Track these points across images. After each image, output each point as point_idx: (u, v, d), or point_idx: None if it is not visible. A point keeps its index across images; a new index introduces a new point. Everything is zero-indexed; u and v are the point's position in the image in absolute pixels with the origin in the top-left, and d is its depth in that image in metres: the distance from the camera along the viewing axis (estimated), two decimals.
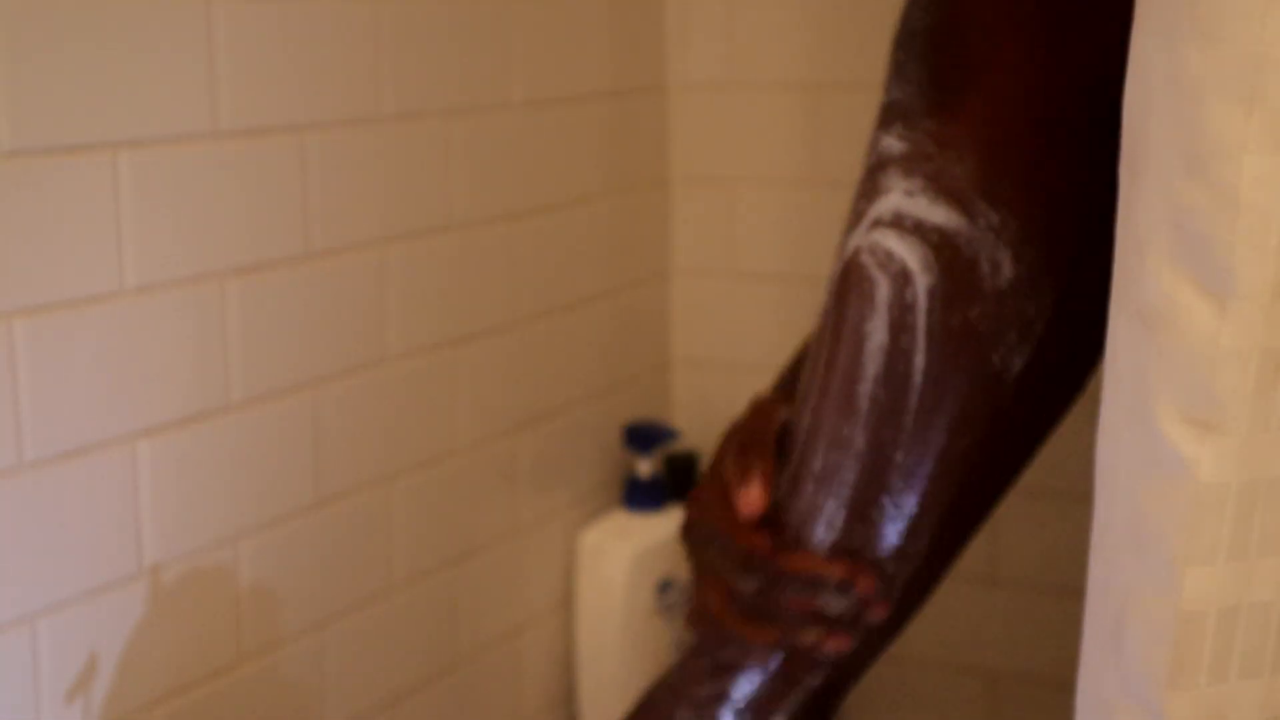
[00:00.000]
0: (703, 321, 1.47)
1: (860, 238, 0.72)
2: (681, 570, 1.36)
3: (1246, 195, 0.53)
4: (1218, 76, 0.53)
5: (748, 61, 1.42)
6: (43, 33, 0.84)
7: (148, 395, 0.92)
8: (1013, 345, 0.71)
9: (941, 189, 0.70)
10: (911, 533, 0.74)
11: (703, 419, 1.48)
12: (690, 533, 0.79)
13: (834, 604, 0.74)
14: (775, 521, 0.75)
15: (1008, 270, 0.70)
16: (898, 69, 0.72)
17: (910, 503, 0.73)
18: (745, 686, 0.77)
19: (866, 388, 0.72)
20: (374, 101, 1.08)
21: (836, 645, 0.75)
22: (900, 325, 0.71)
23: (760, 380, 1.46)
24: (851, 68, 1.35)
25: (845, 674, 0.79)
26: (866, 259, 0.71)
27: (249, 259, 0.98)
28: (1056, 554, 1.35)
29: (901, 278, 0.70)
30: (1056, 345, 0.72)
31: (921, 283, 0.70)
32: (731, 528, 0.76)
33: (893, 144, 0.71)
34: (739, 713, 0.77)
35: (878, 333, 0.71)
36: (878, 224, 0.71)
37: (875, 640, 0.79)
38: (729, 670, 0.77)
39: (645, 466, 1.36)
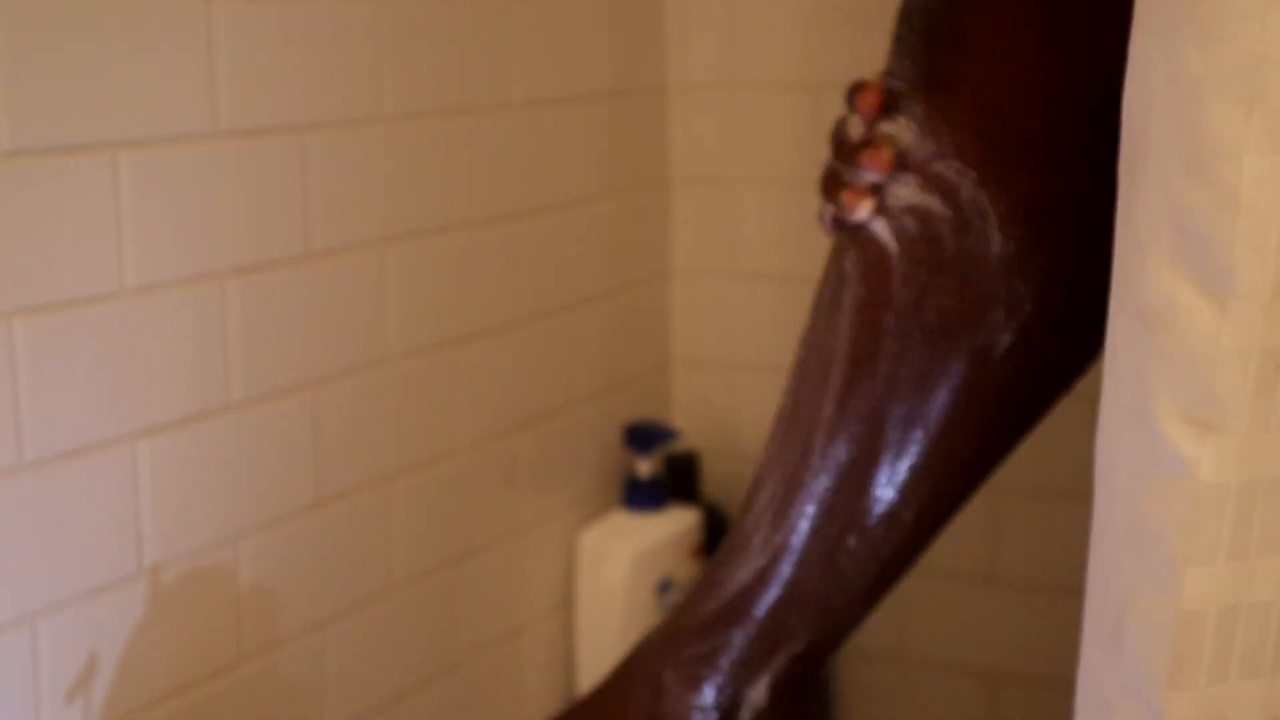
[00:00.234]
0: (703, 321, 1.47)
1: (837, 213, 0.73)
2: (681, 570, 1.36)
3: (1246, 195, 0.53)
4: (1218, 76, 0.53)
5: (748, 61, 1.42)
6: (43, 33, 0.84)
7: (148, 395, 0.92)
8: (1000, 322, 0.71)
9: (926, 166, 0.70)
10: (897, 510, 0.74)
11: (703, 419, 1.48)
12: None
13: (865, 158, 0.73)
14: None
15: (996, 246, 0.70)
16: (898, 41, 0.73)
17: (899, 481, 0.73)
18: (735, 640, 0.77)
19: (842, 366, 0.72)
20: (374, 101, 1.08)
21: (850, 200, 0.73)
22: (880, 301, 0.71)
23: (760, 380, 1.46)
24: (851, 68, 1.35)
25: (828, 636, 0.79)
26: (847, 234, 0.72)
27: (249, 259, 0.98)
28: (1056, 554, 1.35)
29: (883, 257, 0.71)
30: (1046, 328, 0.72)
31: (901, 260, 0.71)
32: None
33: (885, 128, 0.71)
34: (726, 672, 0.78)
35: (855, 307, 0.72)
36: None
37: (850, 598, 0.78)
38: (715, 628, 0.78)
39: (645, 466, 1.36)
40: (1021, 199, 0.70)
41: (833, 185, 0.75)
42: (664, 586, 1.34)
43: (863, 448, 0.74)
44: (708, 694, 0.78)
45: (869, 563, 0.76)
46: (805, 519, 0.75)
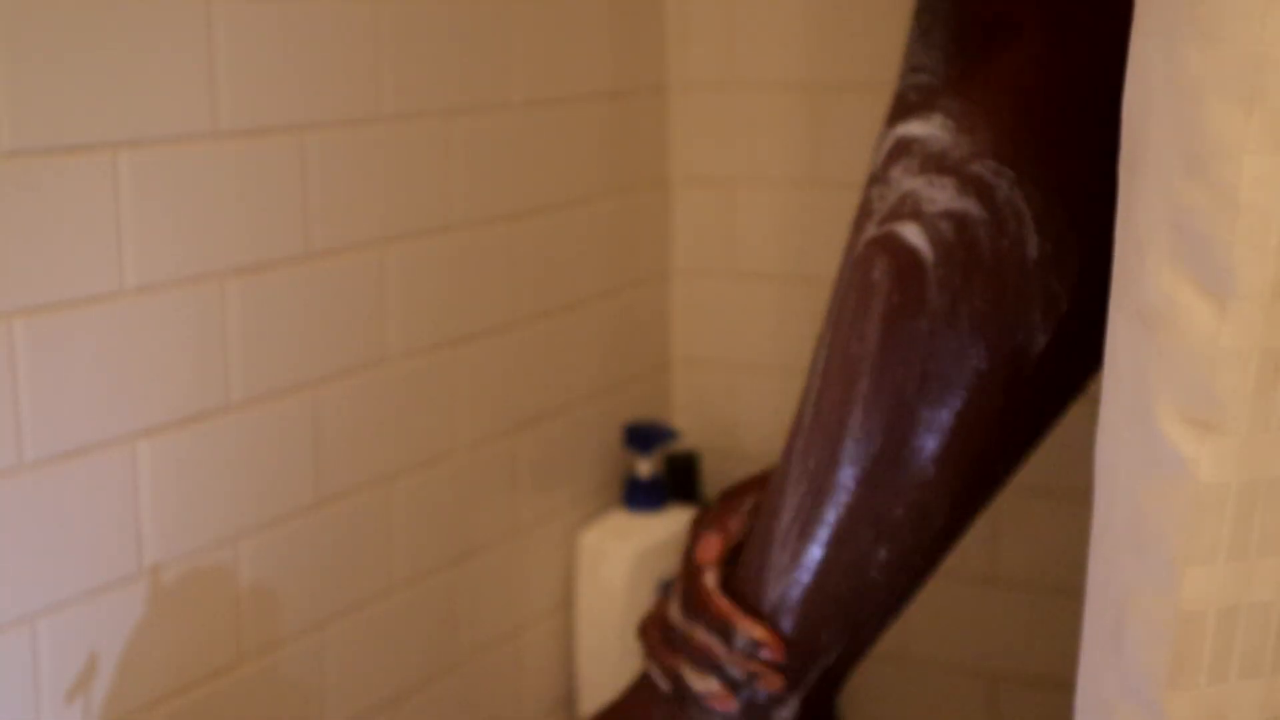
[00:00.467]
0: (703, 321, 1.47)
1: (874, 228, 0.72)
2: None
3: (1246, 195, 0.53)
4: (1217, 76, 0.53)
5: (748, 61, 1.42)
6: (43, 33, 0.84)
7: (148, 395, 0.92)
8: (1036, 323, 0.70)
9: (962, 168, 0.69)
10: (921, 520, 0.74)
11: (703, 419, 1.48)
12: (683, 558, 0.84)
13: (734, 661, 0.77)
14: (731, 574, 0.81)
15: (1033, 248, 0.69)
16: (922, 32, 0.71)
17: (928, 477, 0.73)
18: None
19: (871, 374, 0.72)
20: (374, 101, 1.08)
21: (722, 704, 0.78)
22: (913, 308, 0.71)
23: (760, 380, 1.46)
24: (852, 68, 1.35)
25: (855, 648, 0.79)
26: (881, 246, 0.71)
27: (249, 259, 0.98)
28: (1057, 554, 1.35)
29: (917, 263, 0.70)
30: (1078, 323, 0.71)
31: (937, 265, 0.70)
32: (689, 564, 0.82)
33: (915, 130, 0.70)
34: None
35: (885, 314, 0.71)
36: (895, 212, 0.71)
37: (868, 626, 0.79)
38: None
39: (645, 466, 1.36)
40: (1057, 198, 0.69)
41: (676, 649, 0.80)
42: (664, 586, 1.34)
43: (892, 455, 0.73)
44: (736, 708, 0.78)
45: (898, 571, 0.76)
46: (834, 530, 0.75)
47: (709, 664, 0.78)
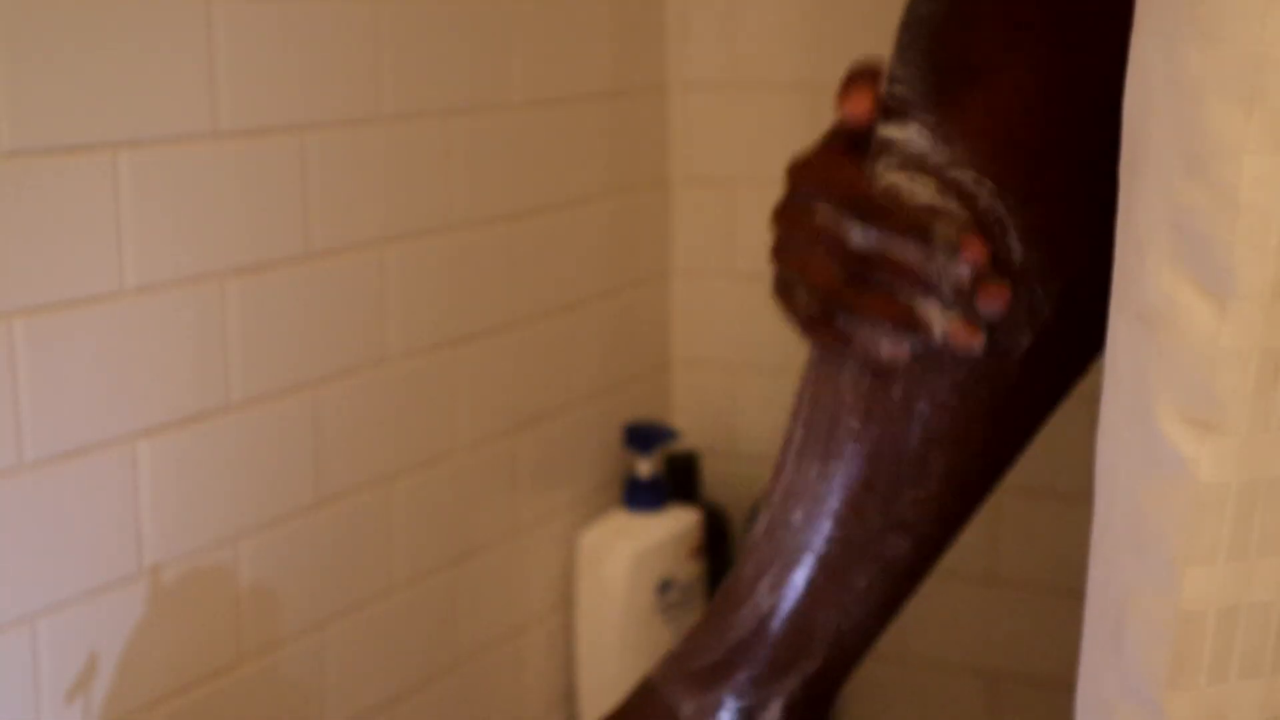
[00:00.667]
0: (703, 321, 1.47)
1: None
2: (682, 570, 1.36)
3: (1246, 195, 0.53)
4: (1218, 76, 0.53)
5: (748, 61, 1.42)
6: (43, 33, 0.84)
7: (148, 395, 0.92)
8: (1020, 325, 0.70)
9: (943, 172, 0.69)
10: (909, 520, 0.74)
11: (703, 419, 1.48)
12: (787, 207, 0.71)
13: (944, 271, 0.67)
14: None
15: (1017, 255, 0.69)
16: (901, 52, 0.71)
17: (912, 482, 0.73)
18: (749, 665, 0.77)
19: (856, 369, 0.71)
20: (374, 101, 1.08)
21: (960, 334, 0.67)
22: None
23: (760, 380, 1.46)
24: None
25: (842, 659, 0.78)
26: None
27: (249, 259, 0.98)
28: (1057, 554, 1.35)
29: None
30: (1064, 329, 0.71)
31: None
32: (838, 169, 0.69)
33: (893, 133, 0.70)
34: (740, 695, 0.77)
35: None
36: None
37: (877, 610, 0.78)
38: (730, 654, 0.77)
39: (645, 466, 1.36)
40: (1040, 210, 0.69)
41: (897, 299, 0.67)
42: (664, 586, 1.34)
43: (881, 459, 0.73)
44: (721, 717, 0.78)
45: (882, 582, 0.75)
46: (815, 531, 0.75)
47: (921, 286, 0.67)
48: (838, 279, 0.69)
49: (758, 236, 1.43)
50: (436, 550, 1.17)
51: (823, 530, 0.74)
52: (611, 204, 1.37)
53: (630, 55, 1.39)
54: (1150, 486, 0.56)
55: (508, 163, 1.22)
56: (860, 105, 0.69)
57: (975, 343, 0.67)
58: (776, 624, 0.76)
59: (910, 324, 0.68)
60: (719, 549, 1.43)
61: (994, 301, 0.67)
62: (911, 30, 0.71)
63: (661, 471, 1.38)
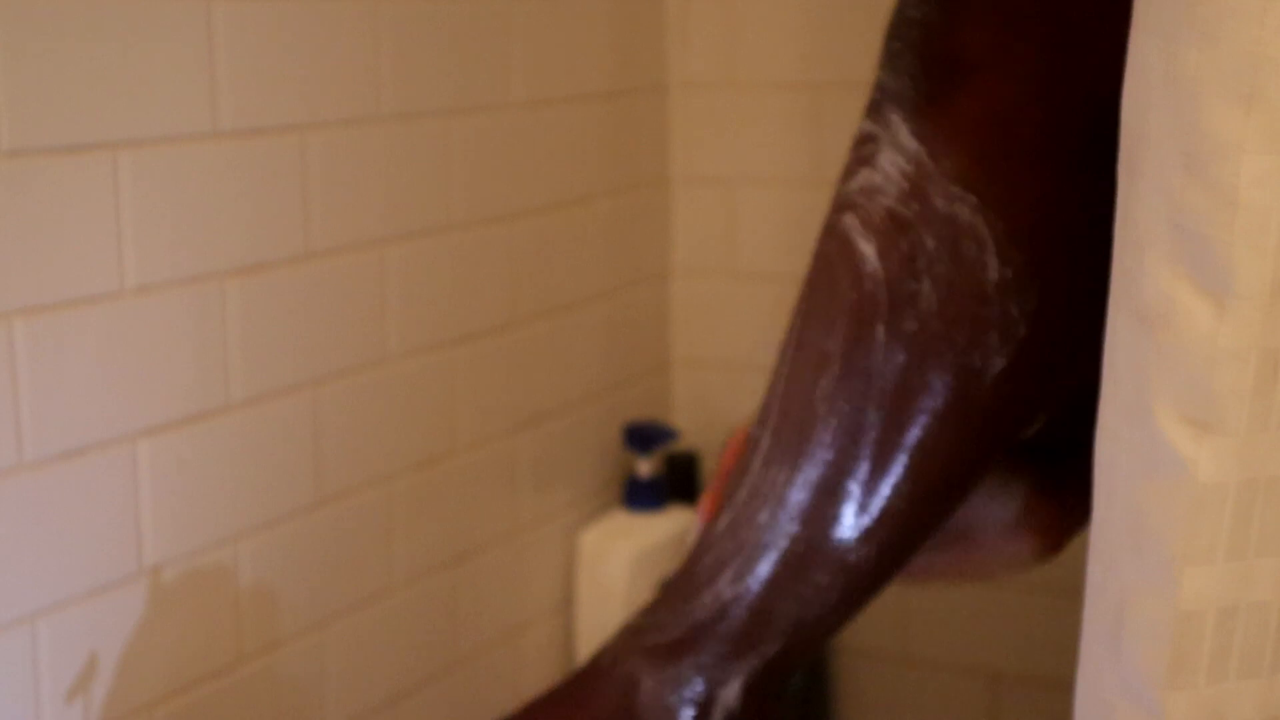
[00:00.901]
0: (703, 321, 1.47)
1: (830, 232, 0.72)
2: None
3: (1245, 195, 0.53)
4: (1216, 76, 0.53)
5: (748, 61, 1.42)
6: (43, 33, 0.84)
7: (148, 395, 0.92)
8: (994, 346, 0.70)
9: (927, 188, 0.69)
10: (869, 530, 0.74)
11: (703, 419, 1.48)
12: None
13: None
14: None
15: (993, 272, 0.69)
16: (890, 57, 0.71)
17: (878, 493, 0.73)
18: (710, 643, 0.77)
19: (829, 384, 0.72)
20: (374, 101, 1.08)
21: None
22: (866, 320, 0.71)
23: (760, 380, 1.46)
24: (852, 68, 1.35)
25: (802, 644, 0.79)
26: (835, 249, 0.72)
27: (249, 259, 0.98)
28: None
29: (867, 275, 0.70)
30: (1038, 352, 0.71)
31: (892, 279, 0.70)
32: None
33: (878, 133, 0.71)
34: (700, 672, 0.78)
35: (843, 328, 0.71)
36: (851, 215, 0.71)
37: (834, 605, 0.78)
38: (691, 631, 0.78)
39: (645, 466, 1.36)
40: (1020, 223, 0.69)
41: None
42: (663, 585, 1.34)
43: (842, 460, 0.73)
44: (682, 692, 0.78)
45: (844, 581, 0.76)
46: (779, 531, 0.75)
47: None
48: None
49: (758, 236, 1.44)
50: (436, 550, 1.17)
51: (787, 530, 0.75)
52: (611, 204, 1.37)
53: (630, 55, 1.39)
54: (1149, 486, 0.56)
55: (507, 163, 1.22)
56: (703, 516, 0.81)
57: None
58: (738, 610, 0.77)
59: None
60: None
61: None
62: (901, 33, 0.71)
63: (661, 471, 1.38)
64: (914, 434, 0.72)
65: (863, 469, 0.73)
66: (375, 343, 1.10)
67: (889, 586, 0.78)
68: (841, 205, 0.72)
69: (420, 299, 1.13)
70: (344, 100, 1.05)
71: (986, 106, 0.69)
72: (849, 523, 0.74)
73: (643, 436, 1.36)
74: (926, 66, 0.70)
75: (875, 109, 0.71)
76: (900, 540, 0.75)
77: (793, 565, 0.75)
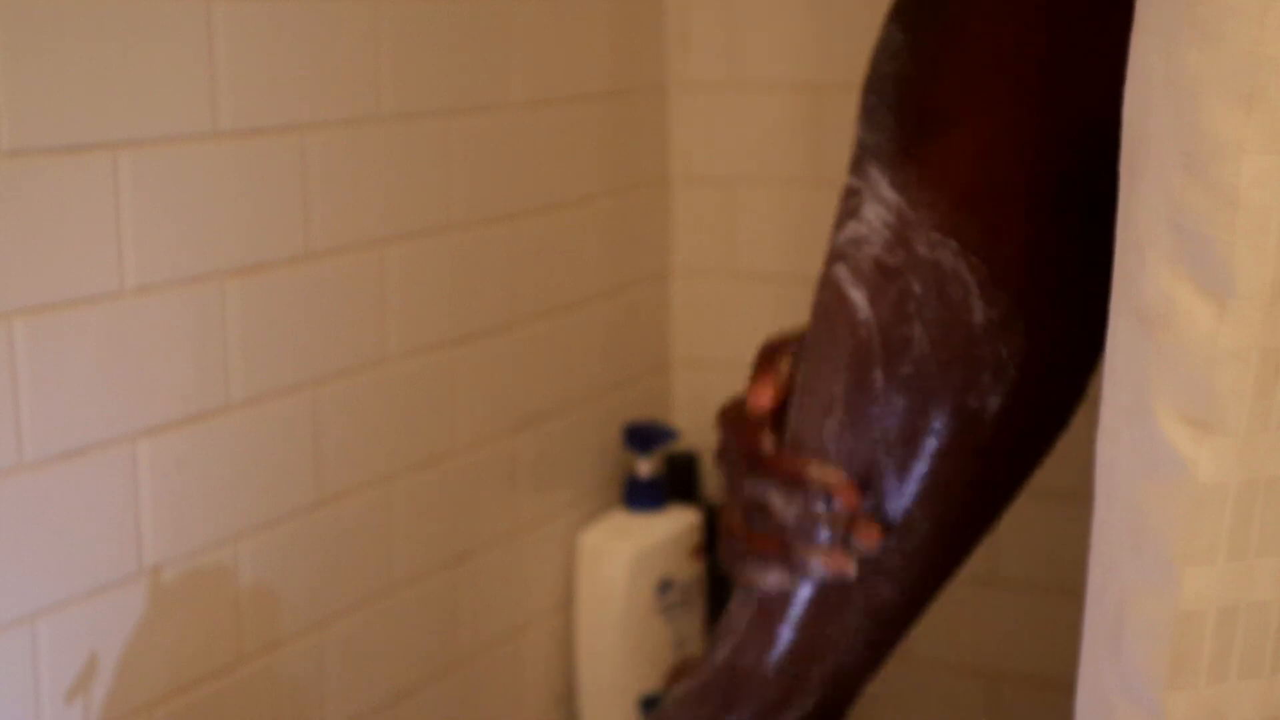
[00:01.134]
0: (703, 321, 1.47)
1: (825, 282, 0.73)
2: (682, 570, 1.36)
3: (1245, 195, 0.53)
4: (1216, 76, 0.53)
5: (748, 61, 1.42)
6: (43, 33, 0.84)
7: (148, 395, 0.92)
8: (988, 386, 0.71)
9: (908, 234, 0.70)
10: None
11: (703, 419, 1.47)
12: (720, 451, 0.81)
13: (820, 517, 0.74)
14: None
15: (979, 314, 0.70)
16: (867, 113, 0.73)
17: (893, 533, 0.74)
18: (744, 706, 0.78)
19: (836, 426, 0.73)
20: (374, 101, 1.08)
21: (833, 564, 0.75)
22: (864, 365, 0.72)
23: None
24: (852, 68, 1.35)
25: (837, 695, 0.79)
26: (830, 299, 0.73)
27: (249, 259, 0.98)
28: (1057, 554, 1.35)
29: (860, 323, 0.71)
30: (1033, 389, 0.72)
31: (884, 325, 0.71)
32: (744, 432, 0.78)
33: (861, 187, 0.72)
34: None
35: (844, 373, 0.72)
36: (842, 266, 0.72)
37: (863, 654, 0.79)
38: (726, 697, 0.78)
39: (645, 466, 1.36)
40: (1001, 268, 0.70)
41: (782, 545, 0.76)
42: (664, 586, 1.34)
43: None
44: None
45: (870, 625, 0.77)
46: (807, 590, 0.76)
47: (800, 529, 0.76)
48: (739, 521, 0.78)
49: (758, 236, 1.44)
50: (436, 550, 1.17)
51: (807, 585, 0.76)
52: (611, 204, 1.37)
53: (630, 55, 1.39)
54: (1149, 486, 0.57)
55: (507, 163, 1.22)
56: (763, 398, 0.79)
57: (848, 571, 0.75)
58: (768, 672, 0.77)
59: (788, 561, 0.75)
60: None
61: (867, 540, 0.74)
62: (877, 90, 0.73)
63: (661, 471, 1.38)
64: (923, 474, 0.73)
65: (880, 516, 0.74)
66: (375, 343, 1.10)
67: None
68: (833, 256, 0.74)
69: (420, 299, 1.13)
70: (344, 100, 1.05)
71: (960, 156, 0.70)
72: (870, 564, 0.75)
73: (643, 436, 1.36)
74: (901, 120, 0.71)
75: (857, 164, 0.73)
76: (924, 578, 0.76)
77: (818, 615, 0.76)
